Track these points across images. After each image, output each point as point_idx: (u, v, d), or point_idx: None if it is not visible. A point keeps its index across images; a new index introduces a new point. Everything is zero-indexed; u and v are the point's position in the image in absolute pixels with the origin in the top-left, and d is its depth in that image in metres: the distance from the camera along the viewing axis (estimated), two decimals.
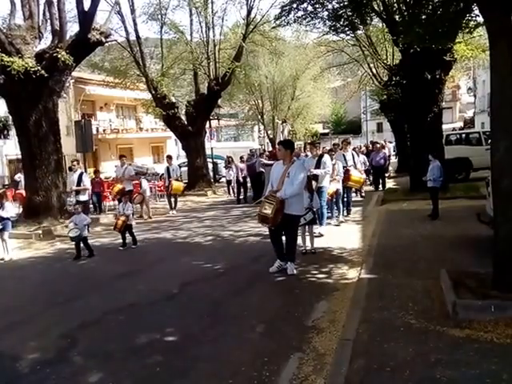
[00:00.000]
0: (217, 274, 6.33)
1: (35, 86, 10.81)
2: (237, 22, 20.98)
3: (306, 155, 13.60)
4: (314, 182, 7.45)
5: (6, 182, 18.87)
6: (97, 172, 14.52)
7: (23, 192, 12.57)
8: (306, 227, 7.00)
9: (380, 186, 14.96)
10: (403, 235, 7.55)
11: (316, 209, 7.08)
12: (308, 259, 6.66)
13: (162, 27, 18.12)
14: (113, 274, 6.82)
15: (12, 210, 8.77)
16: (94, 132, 17.03)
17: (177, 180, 13.14)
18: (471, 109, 37.27)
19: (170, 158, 13.97)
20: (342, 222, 9.45)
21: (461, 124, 32.90)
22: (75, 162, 10.91)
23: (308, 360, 3.61)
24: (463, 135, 16.65)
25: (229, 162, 16.57)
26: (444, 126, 13.47)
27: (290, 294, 5.24)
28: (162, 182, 17.73)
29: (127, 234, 8.62)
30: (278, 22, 11.45)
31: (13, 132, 13.97)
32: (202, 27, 18.32)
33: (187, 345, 4.07)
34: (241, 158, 16.58)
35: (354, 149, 15.88)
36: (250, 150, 19.75)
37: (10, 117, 12.45)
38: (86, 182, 10.64)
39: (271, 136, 29.24)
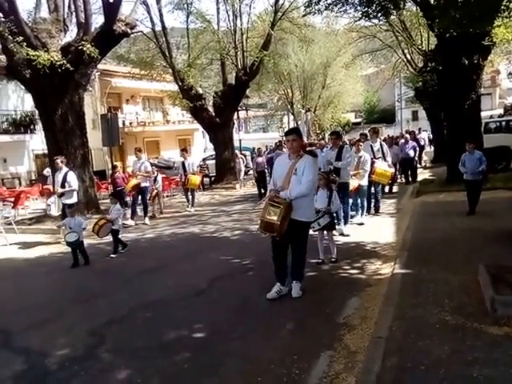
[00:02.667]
0: (245, 270, 6.24)
1: (61, 80, 10.82)
2: (265, 10, 20.62)
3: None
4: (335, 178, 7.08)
5: (34, 177, 19.31)
6: (114, 168, 13.34)
7: (50, 187, 12.67)
8: (325, 233, 6.16)
9: (410, 178, 14.09)
10: (439, 228, 7.29)
11: (334, 211, 6.28)
12: (340, 254, 6.43)
13: (188, 17, 17.99)
14: (140, 269, 6.77)
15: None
16: (121, 125, 16.95)
17: (193, 174, 12.58)
18: None
19: (185, 151, 13.42)
20: (362, 223, 8.48)
21: (501, 111, 31.27)
22: (60, 160, 9.24)
23: (339, 358, 3.53)
24: (503, 123, 15.80)
25: (259, 153, 16.11)
26: (482, 114, 12.81)
27: (321, 290, 5.12)
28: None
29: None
30: (308, 10, 11.09)
31: (39, 127, 14.09)
32: (229, 16, 18.10)
33: (216, 341, 4.01)
34: (258, 150, 16.21)
35: (384, 139, 15.32)
36: (279, 141, 19.32)
37: (37, 111, 12.53)
38: (72, 182, 9.05)
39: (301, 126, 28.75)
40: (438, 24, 8.31)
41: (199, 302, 5.14)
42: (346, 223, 7.91)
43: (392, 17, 14.45)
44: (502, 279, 4.14)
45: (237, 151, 16.81)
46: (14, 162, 18.81)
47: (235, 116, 20.04)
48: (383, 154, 9.51)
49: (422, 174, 15.17)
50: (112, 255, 7.60)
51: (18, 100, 19.07)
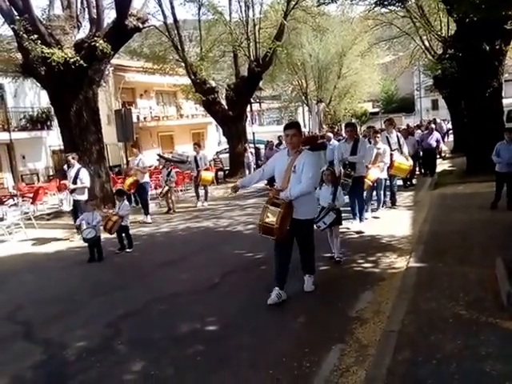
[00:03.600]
0: (258, 263, 6.23)
1: (75, 77, 10.88)
2: None
3: (339, 139, 12.47)
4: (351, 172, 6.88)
5: (51, 173, 19.58)
6: (127, 163, 13.05)
7: (67, 182, 12.80)
8: (332, 231, 5.82)
9: (428, 171, 13.29)
10: (457, 221, 7.14)
11: (340, 207, 5.81)
12: (355, 248, 6.40)
13: (199, 9, 17.83)
14: (155, 263, 6.85)
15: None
16: (135, 120, 17.04)
17: (206, 170, 12.27)
18: None
19: (198, 145, 12.84)
20: (377, 217, 8.19)
21: None
22: (71, 156, 9.25)
23: (350, 351, 3.54)
24: None
25: (270, 146, 15.97)
26: (506, 101, 12.37)
27: (333, 284, 5.12)
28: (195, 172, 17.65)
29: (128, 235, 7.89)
30: (322, 0, 10.88)
31: (55, 123, 14.22)
32: (240, 6, 17.90)
33: (228, 334, 4.07)
34: (269, 143, 15.95)
35: (404, 129, 14.82)
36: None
37: (52, 108, 12.64)
38: (84, 178, 9.06)
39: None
40: (456, 9, 8.05)
41: (212, 295, 5.18)
42: (361, 220, 7.65)
43: (409, 2, 14.11)
44: None
45: (246, 145, 16.59)
46: (32, 158, 19.10)
47: (248, 109, 19.87)
48: (399, 145, 9.20)
49: (441, 165, 14.80)
50: (128, 250, 7.66)
51: (35, 97, 19.32)
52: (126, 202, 7.80)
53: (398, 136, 9.36)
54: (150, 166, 14.18)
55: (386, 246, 6.44)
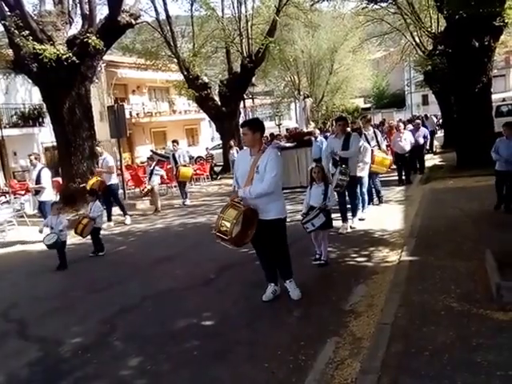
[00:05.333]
0: (253, 258, 6.10)
1: (67, 73, 10.84)
2: None
3: (326, 136, 12.44)
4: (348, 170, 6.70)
5: None
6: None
7: (59, 179, 12.76)
8: (320, 234, 5.47)
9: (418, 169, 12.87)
10: (448, 215, 7.20)
11: (330, 208, 5.49)
12: (348, 242, 6.45)
13: (192, 4, 17.82)
14: (150, 259, 6.86)
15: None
16: (128, 116, 16.93)
17: (185, 166, 11.91)
18: None
19: (176, 142, 12.49)
20: (363, 219, 7.75)
21: None
22: (34, 156, 9.01)
23: (345, 344, 3.60)
24: None
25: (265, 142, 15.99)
26: (496, 96, 12.51)
27: (327, 278, 5.18)
28: (197, 166, 17.67)
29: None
30: None
31: (48, 120, 14.17)
32: (233, 2, 17.90)
33: (224, 329, 4.11)
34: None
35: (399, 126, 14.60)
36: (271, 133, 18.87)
37: (45, 105, 12.58)
38: (43, 179, 8.73)
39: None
40: (446, 5, 8.12)
41: (208, 290, 5.22)
42: (354, 215, 7.45)
43: None
44: (509, 265, 4.10)
45: (232, 142, 16.39)
46: (24, 155, 18.74)
47: (241, 105, 19.87)
48: (377, 141, 9.01)
49: (432, 160, 14.90)
50: (91, 254, 7.33)
51: (26, 93, 19.17)
52: (97, 203, 7.48)
53: (375, 132, 9.25)
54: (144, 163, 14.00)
55: (379, 241, 6.49)
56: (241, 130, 4.39)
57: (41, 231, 7.20)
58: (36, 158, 8.92)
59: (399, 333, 3.51)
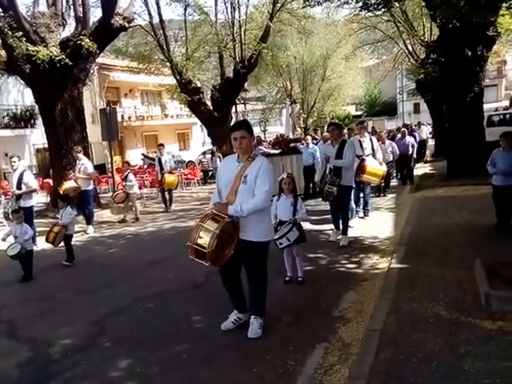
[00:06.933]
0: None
1: (60, 75, 10.82)
2: (263, 0, 20.27)
3: (315, 143, 12.24)
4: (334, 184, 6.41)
5: (35, 171, 19.25)
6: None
7: (51, 181, 12.67)
8: (294, 249, 5.10)
9: (407, 179, 12.55)
10: (438, 223, 7.25)
11: (300, 221, 5.07)
12: (338, 249, 6.45)
13: (185, 9, 17.88)
14: (141, 262, 6.82)
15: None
16: (120, 119, 16.93)
17: (170, 173, 11.45)
18: None
19: (162, 146, 11.79)
20: (351, 227, 7.15)
21: (507, 103, 30.76)
22: (14, 159, 8.30)
23: (333, 350, 3.60)
24: (507, 115, 15.64)
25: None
26: (488, 106, 12.65)
27: (317, 284, 5.15)
28: (188, 170, 17.59)
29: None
30: (308, 2, 10.95)
31: (40, 121, 14.08)
32: (227, 7, 18.03)
33: (213, 333, 4.08)
34: None
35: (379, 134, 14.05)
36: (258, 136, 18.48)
37: (37, 106, 12.52)
38: (31, 182, 8.20)
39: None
40: (440, 14, 8.19)
41: (197, 294, 5.23)
42: (344, 233, 6.73)
43: (394, 7, 14.28)
44: (498, 274, 4.15)
45: (214, 148, 15.99)
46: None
47: (233, 110, 19.91)
48: (373, 150, 8.49)
49: (422, 169, 15.01)
50: (64, 262, 6.95)
51: (19, 95, 19.04)
52: (68, 209, 7.00)
53: (371, 140, 8.69)
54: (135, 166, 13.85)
55: (369, 248, 6.51)
56: (233, 133, 3.79)
57: (4, 240, 6.54)
58: (18, 160, 8.37)
59: (388, 340, 3.52)
